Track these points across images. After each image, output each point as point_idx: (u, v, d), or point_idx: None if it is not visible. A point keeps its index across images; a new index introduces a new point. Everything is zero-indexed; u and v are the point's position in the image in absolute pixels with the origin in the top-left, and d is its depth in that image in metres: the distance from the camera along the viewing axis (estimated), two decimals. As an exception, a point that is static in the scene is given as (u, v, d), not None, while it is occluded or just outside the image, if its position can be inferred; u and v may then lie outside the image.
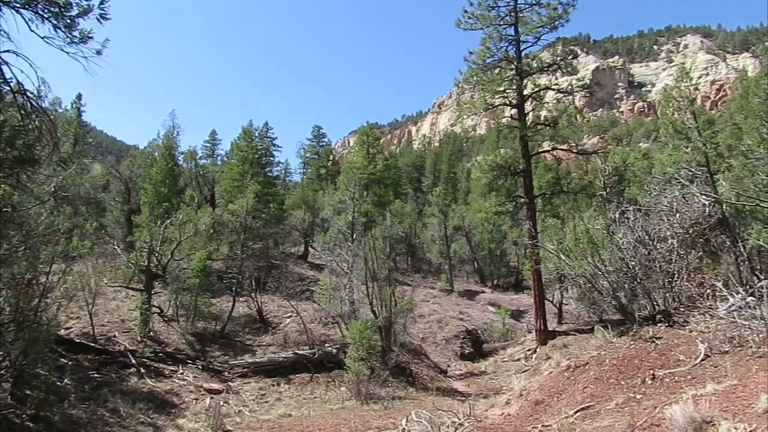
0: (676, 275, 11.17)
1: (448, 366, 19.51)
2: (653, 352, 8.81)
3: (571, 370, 9.69)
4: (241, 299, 20.81)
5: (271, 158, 44.37)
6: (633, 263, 11.52)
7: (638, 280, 11.33)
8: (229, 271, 24.09)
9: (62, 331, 13.51)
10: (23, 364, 9.25)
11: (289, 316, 20.35)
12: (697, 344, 8.32)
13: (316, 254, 32.53)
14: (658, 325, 10.16)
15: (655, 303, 11.18)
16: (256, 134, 40.63)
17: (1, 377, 8.97)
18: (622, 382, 8.12)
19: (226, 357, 16.61)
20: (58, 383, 10.71)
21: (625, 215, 13.18)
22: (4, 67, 5.54)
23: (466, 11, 18.14)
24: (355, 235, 25.03)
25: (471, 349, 21.38)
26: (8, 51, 5.43)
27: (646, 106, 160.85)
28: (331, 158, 61.39)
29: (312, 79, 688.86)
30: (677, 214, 12.38)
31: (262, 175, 34.45)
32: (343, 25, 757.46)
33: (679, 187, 13.02)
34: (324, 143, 63.80)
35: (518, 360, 17.99)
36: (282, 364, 15.86)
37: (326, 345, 17.37)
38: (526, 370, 15.52)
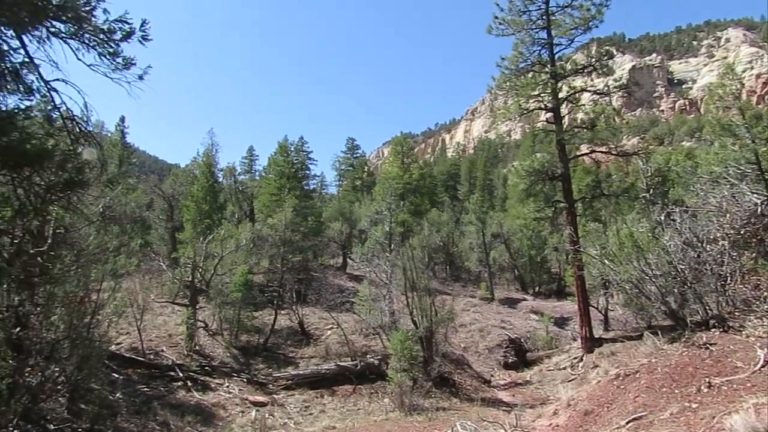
0: (729, 278, 10.70)
1: (492, 376, 19.18)
2: (708, 359, 8.44)
3: (620, 378, 9.38)
4: (282, 312, 21.07)
5: (307, 172, 44.95)
6: (682, 266, 11.11)
7: (688, 284, 10.91)
8: (270, 284, 24.46)
9: (113, 346, 13.97)
10: (78, 380, 9.57)
11: (330, 328, 20.47)
12: (756, 350, 7.93)
13: (354, 265, 32.69)
14: (712, 330, 9.74)
15: (707, 307, 10.72)
16: (292, 149, 41.30)
17: (57, 392, 9.30)
18: (676, 391, 7.80)
19: (270, 369, 16.81)
20: (111, 397, 11.06)
21: (671, 217, 12.75)
22: (54, 95, 5.82)
23: (496, 17, 18.02)
24: (392, 245, 25.07)
25: (514, 358, 20.96)
26: (57, 80, 5.71)
27: (687, 103, 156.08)
28: (366, 169, 61.84)
29: (344, 92, 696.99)
30: (727, 215, 11.86)
31: (299, 189, 34.98)
32: (372, 37, 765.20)
33: (728, 186, 12.48)
34: (358, 155, 64.36)
35: (564, 369, 17.53)
36: (325, 376, 15.93)
37: (368, 356, 17.37)
38: (572, 379, 15.10)
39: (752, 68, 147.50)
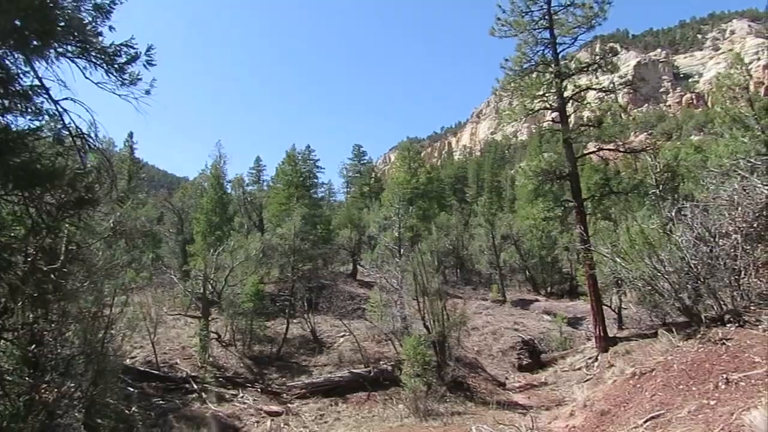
0: (743, 272, 10.58)
1: (506, 378, 19.07)
2: (724, 355, 8.34)
3: (636, 377, 9.29)
4: (294, 321, 21.11)
5: (315, 180, 45.15)
6: (695, 262, 10.99)
7: (702, 280, 10.80)
8: (281, 293, 24.54)
9: (127, 360, 14.07)
10: (93, 394, 9.64)
11: (342, 335, 20.48)
12: (773, 344, 7.83)
13: (364, 272, 32.73)
14: (728, 325, 9.62)
15: (722, 302, 10.60)
16: (299, 157, 41.49)
17: (73, 407, 9.36)
18: (693, 388, 7.71)
19: (284, 379, 16.83)
20: (127, 411, 11.11)
21: (682, 212, 12.63)
22: (63, 114, 5.91)
23: (499, 19, 18.02)
24: (402, 250, 25.02)
25: (529, 359, 20.82)
26: (66, 99, 5.79)
27: (694, 97, 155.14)
28: (373, 176, 61.91)
29: (349, 98, 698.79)
30: (739, 208, 11.73)
31: (307, 198, 35.15)
32: (376, 43, 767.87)
33: (739, 179, 12.37)
34: (365, 161, 64.54)
35: (579, 369, 17.39)
36: (339, 384, 15.92)
37: (381, 362, 17.34)
38: (588, 380, 14.97)
39: (759, 59, 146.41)
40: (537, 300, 33.40)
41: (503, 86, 18.88)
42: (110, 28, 5.89)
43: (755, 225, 11.28)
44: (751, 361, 7.75)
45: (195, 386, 14.58)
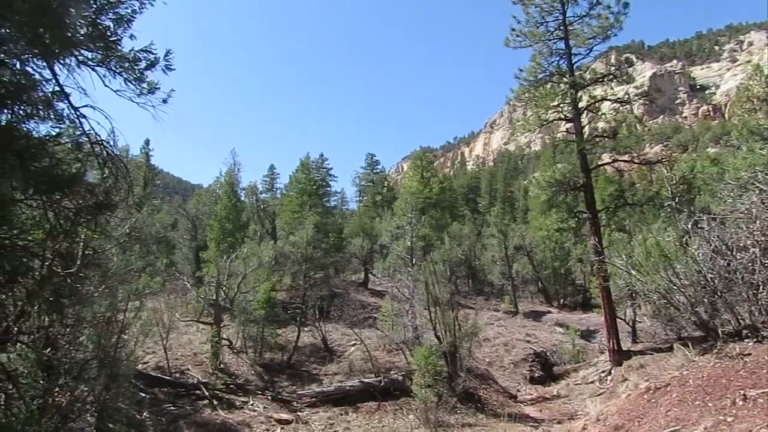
0: (761, 286, 10.40)
1: (518, 390, 18.88)
2: (742, 371, 8.19)
3: (651, 392, 9.16)
4: (305, 329, 21.11)
5: (328, 188, 45.41)
6: (711, 275, 10.85)
7: (719, 294, 10.64)
8: (292, 301, 24.57)
9: (139, 365, 14.14)
10: (106, 399, 9.70)
11: (353, 344, 20.43)
12: (792, 360, 7.68)
13: (376, 281, 32.68)
14: (745, 341, 9.46)
15: (739, 317, 10.43)
16: (313, 166, 41.74)
17: (86, 411, 9.42)
18: (710, 404, 7.58)
19: (294, 387, 16.81)
20: (138, 416, 11.17)
21: (699, 225, 12.48)
22: (83, 121, 6.01)
23: (513, 29, 18.03)
24: (414, 259, 24.97)
25: (541, 372, 20.60)
26: (86, 106, 5.90)
27: (711, 109, 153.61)
28: (385, 185, 61.99)
29: (362, 107, 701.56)
30: (757, 221, 11.56)
31: (320, 206, 35.32)
32: (390, 51, 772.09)
33: (757, 192, 12.20)
34: (378, 170, 64.63)
35: (592, 382, 17.17)
36: (349, 393, 15.85)
37: (392, 372, 17.26)
38: (601, 393, 14.77)
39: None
40: (549, 312, 33.09)
41: (517, 96, 18.85)
42: (131, 36, 6.00)
43: (774, 238, 11.10)
44: (769, 378, 7.60)
45: (206, 392, 14.61)
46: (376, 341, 20.33)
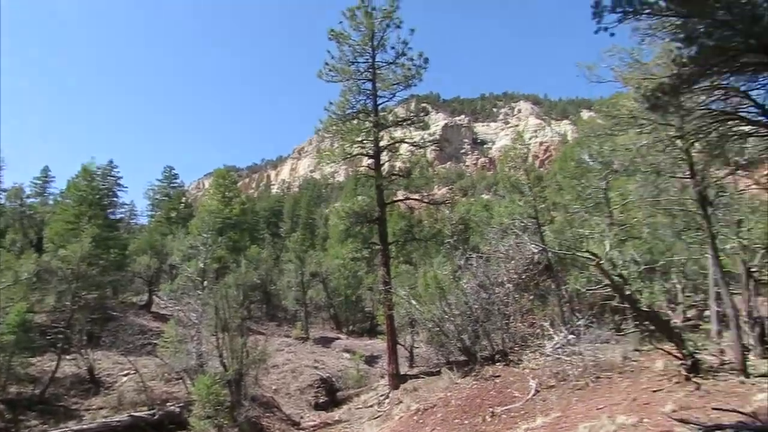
0: (511, 317, 12.22)
1: (302, 417, 18.87)
2: (492, 391, 9.42)
3: (420, 413, 9.96)
4: (68, 357, 18.35)
5: (115, 199, 40.66)
6: (476, 306, 12.39)
7: (480, 323, 12.18)
8: (55, 325, 21.16)
9: None
10: None
11: (126, 374, 18.36)
12: (529, 380, 9.08)
13: (161, 303, 30.04)
14: (497, 364, 10.94)
15: (494, 343, 12.06)
16: (98, 173, 37.12)
17: None
18: (466, 422, 8.52)
19: (46, 426, 14.45)
20: None
21: (470, 262, 14.21)
22: None
23: (327, 64, 18.70)
24: (206, 282, 23.62)
25: (326, 397, 20.97)
26: None
27: (487, 161, 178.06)
28: (183, 201, 57.95)
29: (164, 118, 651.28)
30: (512, 261, 13.66)
31: (102, 218, 31.40)
32: (204, 62, 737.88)
33: (514, 236, 14.43)
34: (176, 184, 60.19)
35: (371, 406, 17.99)
36: (115, 430, 14.12)
37: (168, 404, 15.92)
38: (378, 416, 15.55)
39: (537, 137, 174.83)
40: (339, 338, 34.08)
41: (326, 128, 19.47)
42: None
43: (523, 276, 13.21)
44: (512, 396, 8.87)
45: None
46: (154, 370, 18.59)
